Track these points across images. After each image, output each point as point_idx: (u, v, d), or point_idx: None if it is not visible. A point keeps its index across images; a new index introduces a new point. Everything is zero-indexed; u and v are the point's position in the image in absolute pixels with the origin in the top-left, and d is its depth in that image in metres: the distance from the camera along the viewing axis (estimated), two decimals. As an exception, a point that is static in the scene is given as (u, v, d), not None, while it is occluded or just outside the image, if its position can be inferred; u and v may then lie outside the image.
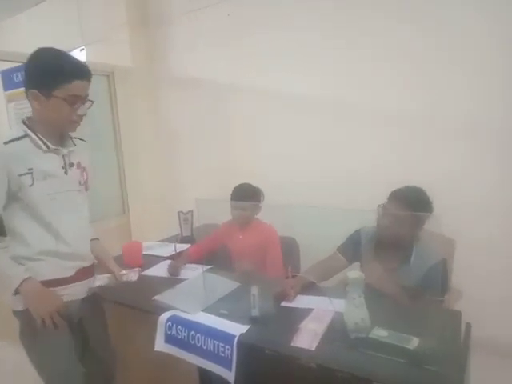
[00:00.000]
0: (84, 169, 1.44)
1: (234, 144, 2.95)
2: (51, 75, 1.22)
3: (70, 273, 1.38)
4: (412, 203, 1.62)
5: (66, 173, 1.35)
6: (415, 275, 1.63)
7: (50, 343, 1.33)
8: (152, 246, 2.25)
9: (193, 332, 1.38)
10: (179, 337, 1.40)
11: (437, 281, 1.58)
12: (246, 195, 2.11)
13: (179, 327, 1.41)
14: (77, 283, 1.41)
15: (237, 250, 2.14)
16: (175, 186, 3.32)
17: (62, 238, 1.33)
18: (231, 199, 2.13)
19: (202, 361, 1.36)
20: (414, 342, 1.22)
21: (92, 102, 1.35)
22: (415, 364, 1.11)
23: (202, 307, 1.49)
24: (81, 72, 1.26)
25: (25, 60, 1.30)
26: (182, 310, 1.46)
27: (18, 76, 3.68)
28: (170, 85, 3.27)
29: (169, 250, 2.17)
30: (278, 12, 2.50)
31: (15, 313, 1.35)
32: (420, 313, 1.46)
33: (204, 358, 1.35)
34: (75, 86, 1.25)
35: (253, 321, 1.37)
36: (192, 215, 2.37)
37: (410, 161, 2.17)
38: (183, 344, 1.40)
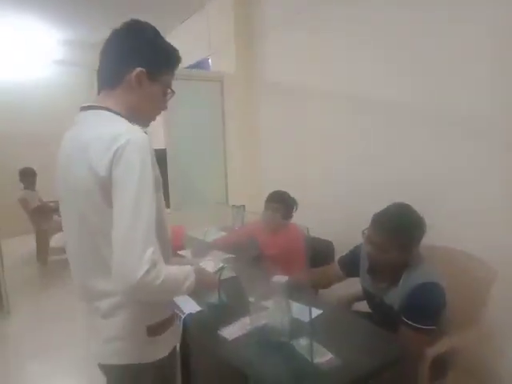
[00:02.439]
0: None
1: (311, 144, 3.07)
2: (165, 55, 1.05)
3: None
4: (393, 230, 1.48)
5: None
6: (400, 296, 1.50)
7: None
8: (206, 231, 2.59)
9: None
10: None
11: (415, 305, 1.43)
12: (278, 198, 2.25)
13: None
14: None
15: (266, 249, 2.28)
16: (262, 180, 3.64)
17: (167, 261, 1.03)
18: (265, 201, 2.30)
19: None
20: (323, 358, 1.21)
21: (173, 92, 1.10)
22: (298, 374, 1.13)
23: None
24: (179, 59, 1.09)
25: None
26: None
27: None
28: (263, 89, 3.60)
29: (214, 236, 2.47)
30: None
31: (139, 366, 1.02)
32: (375, 336, 1.37)
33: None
34: (173, 73, 1.08)
35: (208, 306, 1.55)
36: (244, 209, 2.61)
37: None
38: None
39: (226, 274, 1.63)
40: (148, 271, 0.83)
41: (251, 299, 1.64)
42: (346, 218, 2.67)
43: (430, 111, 2.15)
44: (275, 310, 1.31)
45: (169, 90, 1.08)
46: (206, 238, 2.51)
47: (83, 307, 1.10)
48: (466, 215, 1.99)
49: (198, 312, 1.52)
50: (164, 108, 1.11)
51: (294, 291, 1.48)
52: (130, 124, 0.98)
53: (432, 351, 1.43)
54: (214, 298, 1.56)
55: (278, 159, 3.48)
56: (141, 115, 1.06)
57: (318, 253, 2.31)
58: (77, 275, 1.08)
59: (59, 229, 4.37)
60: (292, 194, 2.32)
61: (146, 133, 0.94)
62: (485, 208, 1.94)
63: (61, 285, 3.84)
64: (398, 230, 1.47)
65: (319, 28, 2.83)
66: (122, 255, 0.85)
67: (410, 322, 1.41)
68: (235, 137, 3.81)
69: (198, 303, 1.57)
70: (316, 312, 1.49)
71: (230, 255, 2.18)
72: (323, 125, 2.90)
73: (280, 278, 1.31)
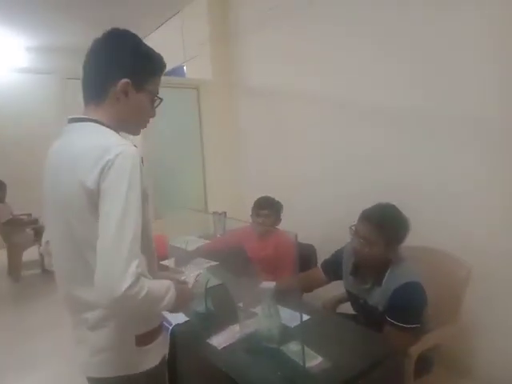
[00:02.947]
0: None
1: (291, 147, 3.12)
2: (149, 63, 1.04)
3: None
4: (381, 225, 1.54)
5: None
6: (383, 296, 1.54)
7: None
8: (187, 240, 2.57)
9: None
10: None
11: (398, 304, 1.47)
12: (268, 204, 2.28)
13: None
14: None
15: (254, 255, 2.29)
16: (242, 185, 3.65)
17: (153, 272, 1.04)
18: (253, 208, 2.31)
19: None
20: (313, 361, 1.22)
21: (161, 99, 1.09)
22: (290, 379, 1.14)
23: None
24: (164, 65, 1.09)
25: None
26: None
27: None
28: (241, 94, 3.62)
29: (195, 245, 2.46)
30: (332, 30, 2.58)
31: (129, 377, 1.01)
32: (362, 337, 1.40)
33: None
34: (159, 79, 1.08)
35: (195, 315, 1.54)
36: (225, 216, 2.61)
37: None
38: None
39: (213, 282, 1.63)
40: (132, 285, 0.82)
41: (240, 305, 1.64)
42: (328, 221, 2.71)
43: (412, 114, 2.20)
44: (264, 316, 1.32)
45: (156, 97, 1.08)
46: (188, 248, 2.49)
47: (69, 319, 1.07)
48: (444, 216, 2.06)
49: (186, 322, 1.51)
50: (153, 115, 1.10)
51: (281, 297, 1.51)
52: (120, 137, 0.98)
53: (416, 348, 1.48)
54: (200, 307, 1.56)
55: (258, 164, 3.49)
56: (130, 125, 1.07)
57: (301, 257, 2.33)
58: (64, 286, 1.06)
59: (31, 243, 4.23)
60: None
61: (135, 146, 0.94)
62: (462, 208, 2.02)
63: (35, 300, 3.72)
64: (385, 223, 1.53)
65: (297, 29, 2.86)
66: (106, 267, 0.84)
67: (394, 322, 1.45)
68: (213, 143, 3.81)
69: (185, 313, 1.56)
70: (303, 317, 1.49)
71: (214, 262, 2.17)
72: (304, 128, 2.94)
73: (268, 284, 1.32)
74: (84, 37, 3.98)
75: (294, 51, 2.92)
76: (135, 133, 1.10)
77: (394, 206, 1.58)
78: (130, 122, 1.06)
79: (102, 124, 0.99)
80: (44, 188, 1.04)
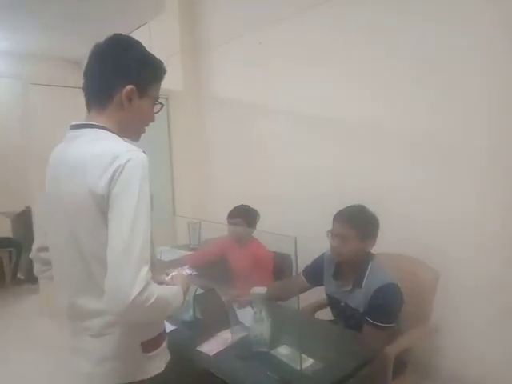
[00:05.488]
0: None
1: (257, 158, 3.19)
2: (152, 68, 1.04)
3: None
4: (353, 220, 1.65)
5: None
6: (364, 298, 1.62)
7: None
8: (162, 251, 2.54)
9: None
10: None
11: (377, 305, 1.55)
12: (242, 213, 2.31)
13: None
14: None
15: (234, 264, 2.32)
16: (210, 194, 3.68)
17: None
18: (228, 216, 2.34)
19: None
20: (305, 363, 1.27)
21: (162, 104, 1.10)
22: (286, 381, 1.18)
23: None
24: (165, 70, 1.08)
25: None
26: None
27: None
28: (209, 105, 3.67)
29: (172, 256, 2.44)
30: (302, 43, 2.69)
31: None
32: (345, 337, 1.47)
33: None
34: (160, 85, 1.08)
35: (182, 323, 1.54)
36: (200, 226, 2.61)
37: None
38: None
39: (201, 290, 1.64)
40: (142, 291, 0.82)
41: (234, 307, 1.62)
42: (295, 230, 2.76)
43: (367, 124, 2.33)
44: (255, 320, 1.34)
45: (157, 103, 1.08)
46: (162, 258, 2.46)
47: (69, 327, 1.05)
48: (406, 224, 2.20)
49: (173, 331, 1.50)
50: (152, 120, 1.11)
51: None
52: (128, 143, 0.97)
53: (394, 349, 1.56)
54: (187, 316, 1.56)
55: (226, 175, 3.52)
56: (132, 130, 1.07)
57: (276, 266, 2.38)
58: (65, 295, 1.04)
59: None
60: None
61: (144, 153, 0.94)
62: (422, 217, 2.16)
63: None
64: (355, 217, 1.65)
65: (266, 43, 2.96)
66: (117, 273, 0.83)
67: (373, 322, 1.53)
68: (182, 152, 3.80)
69: (171, 322, 1.55)
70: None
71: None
72: (270, 140, 3.02)
73: (259, 289, 1.35)
74: (48, 43, 3.88)
75: (261, 66, 3.01)
76: (136, 139, 1.10)
77: (361, 205, 1.70)
78: (132, 128, 1.06)
79: (108, 130, 0.98)
80: (47, 196, 1.02)
